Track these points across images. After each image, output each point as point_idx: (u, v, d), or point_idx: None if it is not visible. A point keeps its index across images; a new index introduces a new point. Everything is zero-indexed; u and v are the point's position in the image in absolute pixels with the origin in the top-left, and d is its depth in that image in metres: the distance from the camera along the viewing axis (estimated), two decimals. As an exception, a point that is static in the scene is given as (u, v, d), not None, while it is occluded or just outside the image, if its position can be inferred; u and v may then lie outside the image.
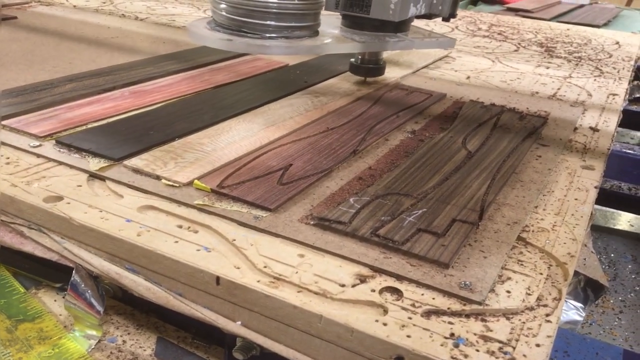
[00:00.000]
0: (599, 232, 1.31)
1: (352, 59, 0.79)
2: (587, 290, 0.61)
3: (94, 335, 0.42)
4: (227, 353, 0.41)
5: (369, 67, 0.79)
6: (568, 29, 1.52)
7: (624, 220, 1.31)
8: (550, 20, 1.72)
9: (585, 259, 0.60)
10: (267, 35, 0.60)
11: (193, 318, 0.39)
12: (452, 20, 0.77)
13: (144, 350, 0.42)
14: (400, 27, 0.71)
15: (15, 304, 0.45)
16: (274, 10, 0.59)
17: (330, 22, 0.73)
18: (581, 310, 0.60)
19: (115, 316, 0.45)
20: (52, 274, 0.47)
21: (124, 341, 0.43)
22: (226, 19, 0.60)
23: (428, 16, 0.73)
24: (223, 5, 0.60)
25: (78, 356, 0.40)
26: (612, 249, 1.27)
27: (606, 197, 1.26)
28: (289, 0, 0.59)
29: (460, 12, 1.69)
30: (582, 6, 2.18)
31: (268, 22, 0.59)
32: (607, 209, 1.31)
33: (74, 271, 0.43)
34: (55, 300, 0.46)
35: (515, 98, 0.82)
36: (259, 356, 0.39)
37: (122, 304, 0.46)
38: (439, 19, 0.75)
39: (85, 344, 0.42)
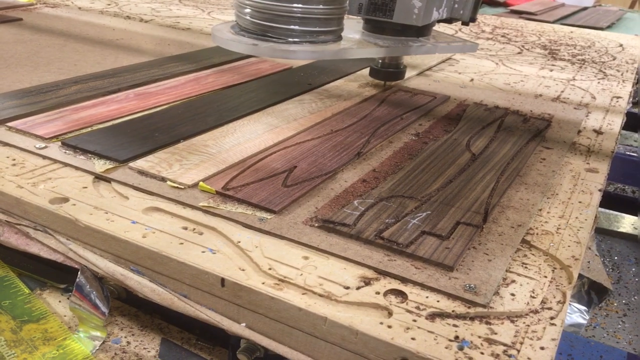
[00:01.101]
0: (603, 234, 1.30)
1: (372, 63, 0.79)
2: (591, 293, 0.61)
3: (99, 336, 0.43)
4: (232, 355, 0.41)
5: (389, 71, 0.79)
6: (571, 32, 1.51)
7: (628, 223, 1.31)
8: (553, 22, 1.72)
9: (589, 261, 0.60)
10: (292, 39, 0.60)
11: (197, 319, 0.40)
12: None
13: (148, 351, 0.42)
14: (422, 31, 0.71)
15: (20, 304, 0.45)
16: (299, 15, 0.59)
17: (351, 27, 0.73)
18: (585, 313, 0.60)
19: (120, 317, 0.45)
20: (57, 275, 0.47)
21: (128, 342, 0.43)
22: (251, 24, 0.60)
23: (449, 20, 0.73)
24: (248, 10, 0.60)
25: (82, 357, 0.40)
26: (615, 252, 1.27)
27: (610, 200, 1.26)
28: (314, 5, 0.59)
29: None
30: (585, 9, 2.19)
31: (293, 27, 0.59)
32: (611, 211, 1.31)
33: (79, 272, 0.43)
34: (59, 301, 0.46)
35: (519, 100, 0.82)
36: (263, 358, 0.39)
37: (127, 305, 0.47)
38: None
39: (89, 345, 0.42)
